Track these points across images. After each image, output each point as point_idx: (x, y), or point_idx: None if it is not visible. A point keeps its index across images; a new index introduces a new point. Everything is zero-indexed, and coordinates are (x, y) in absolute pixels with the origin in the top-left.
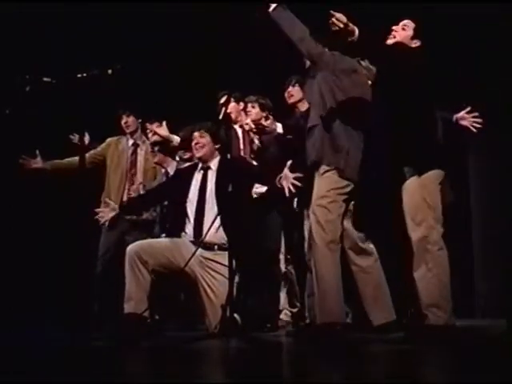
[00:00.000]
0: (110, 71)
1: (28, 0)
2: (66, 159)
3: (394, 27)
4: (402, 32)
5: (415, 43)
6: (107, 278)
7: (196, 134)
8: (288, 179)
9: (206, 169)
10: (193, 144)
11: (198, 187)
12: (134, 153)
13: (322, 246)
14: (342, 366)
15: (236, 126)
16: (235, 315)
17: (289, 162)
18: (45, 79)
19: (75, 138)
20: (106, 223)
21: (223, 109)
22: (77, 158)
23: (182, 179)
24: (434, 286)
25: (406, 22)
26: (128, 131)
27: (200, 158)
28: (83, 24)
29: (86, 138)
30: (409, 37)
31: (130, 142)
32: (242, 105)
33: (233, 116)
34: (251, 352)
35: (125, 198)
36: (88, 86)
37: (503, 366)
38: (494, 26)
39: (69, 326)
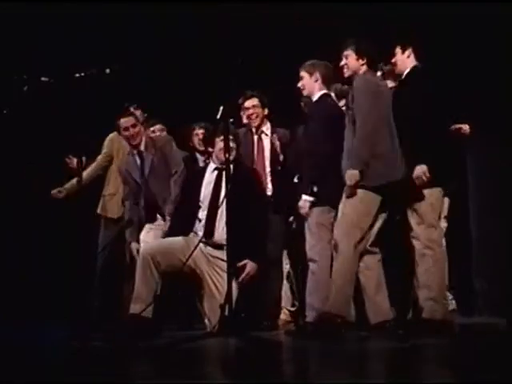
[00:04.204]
0: (108, 70)
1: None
2: (72, 182)
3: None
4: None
5: (408, 56)
6: (107, 274)
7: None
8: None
9: (220, 170)
10: (219, 148)
11: (211, 189)
12: None
13: (350, 244)
14: (341, 364)
15: (253, 130)
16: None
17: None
18: (43, 79)
19: (72, 161)
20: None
21: (221, 108)
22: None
23: (196, 182)
24: (433, 282)
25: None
26: None
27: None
28: (81, 23)
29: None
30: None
31: None
32: (266, 111)
33: (257, 122)
34: (250, 351)
35: None
36: (86, 85)
37: (503, 365)
38: (493, 26)
39: (69, 325)
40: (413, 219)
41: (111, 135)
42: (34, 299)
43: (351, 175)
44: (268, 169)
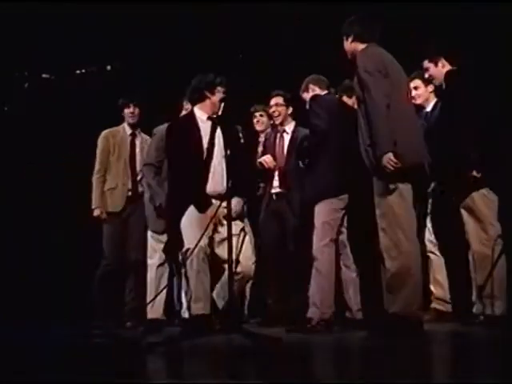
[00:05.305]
0: (108, 67)
1: None
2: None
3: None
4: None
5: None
6: (111, 271)
7: None
8: None
9: (213, 120)
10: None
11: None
12: (132, 142)
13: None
14: (342, 363)
15: (279, 130)
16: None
17: None
18: (43, 76)
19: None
20: None
21: (222, 104)
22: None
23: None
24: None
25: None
26: (131, 121)
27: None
28: (82, 21)
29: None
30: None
31: (129, 131)
32: (291, 109)
33: (281, 119)
34: (251, 349)
35: (130, 186)
36: (87, 82)
37: (503, 366)
38: (494, 26)
39: (69, 324)
40: (470, 219)
41: (104, 133)
42: (34, 299)
43: (386, 159)
44: (284, 166)
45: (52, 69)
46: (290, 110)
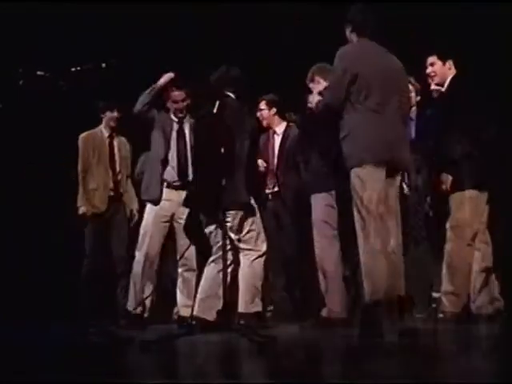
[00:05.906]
0: (103, 65)
1: None
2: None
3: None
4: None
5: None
6: (96, 273)
7: None
8: None
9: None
10: None
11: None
12: (111, 144)
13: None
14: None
15: (270, 132)
16: None
17: None
18: (39, 73)
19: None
20: None
21: (218, 102)
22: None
23: None
24: (454, 276)
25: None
26: (113, 124)
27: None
28: (82, 20)
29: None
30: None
31: (106, 134)
32: (274, 110)
33: (266, 122)
34: (252, 349)
35: (111, 186)
36: (83, 80)
37: (502, 366)
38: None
39: (69, 324)
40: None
41: (83, 135)
42: (34, 299)
43: None
44: (275, 166)
45: (51, 69)
46: (273, 111)
